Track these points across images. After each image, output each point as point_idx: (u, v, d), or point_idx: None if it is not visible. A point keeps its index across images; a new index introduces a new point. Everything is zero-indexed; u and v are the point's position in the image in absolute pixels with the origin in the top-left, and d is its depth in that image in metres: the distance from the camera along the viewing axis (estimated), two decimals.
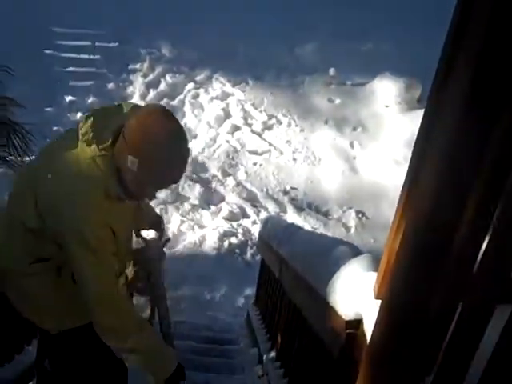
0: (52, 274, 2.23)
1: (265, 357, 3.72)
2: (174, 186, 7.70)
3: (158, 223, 2.85)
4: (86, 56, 11.45)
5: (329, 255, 2.21)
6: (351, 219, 8.23)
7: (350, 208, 8.41)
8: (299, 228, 4.00)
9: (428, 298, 1.25)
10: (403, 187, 1.38)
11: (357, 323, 1.63)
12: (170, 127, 1.99)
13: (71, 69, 10.95)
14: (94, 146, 2.01)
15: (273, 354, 3.62)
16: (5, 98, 4.97)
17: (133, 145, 1.94)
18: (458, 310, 1.29)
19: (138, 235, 2.76)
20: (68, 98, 10.24)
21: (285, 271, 3.26)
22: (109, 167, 2.04)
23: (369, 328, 1.48)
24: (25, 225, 2.13)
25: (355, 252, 2.06)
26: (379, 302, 1.42)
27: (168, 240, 2.98)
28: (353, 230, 8.04)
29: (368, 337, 1.49)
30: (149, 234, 2.82)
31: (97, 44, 11.72)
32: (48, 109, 9.71)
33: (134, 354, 2.26)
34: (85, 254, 2.06)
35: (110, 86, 10.80)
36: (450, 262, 1.22)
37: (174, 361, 2.39)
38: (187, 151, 2.10)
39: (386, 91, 10.42)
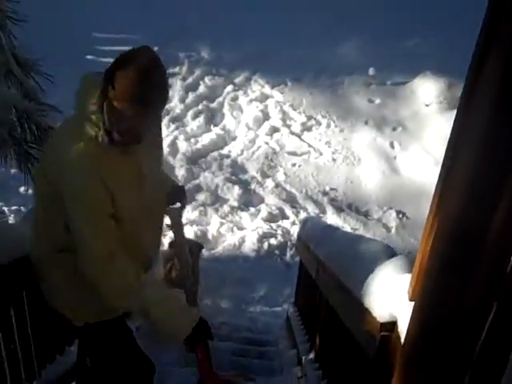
0: (72, 267, 2.26)
1: (304, 358, 3.70)
2: (212, 188, 7.63)
3: (180, 194, 2.87)
4: None
5: (364, 256, 2.20)
6: (392, 219, 8.15)
7: (391, 208, 8.34)
8: (336, 229, 3.99)
9: (461, 298, 1.23)
10: (436, 188, 1.36)
11: (391, 325, 1.62)
12: (147, 57, 2.03)
13: None
14: (88, 104, 2.10)
15: (312, 355, 3.60)
16: (45, 105, 5.06)
17: (109, 76, 2.01)
18: (493, 309, 1.27)
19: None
20: None
21: (322, 272, 3.25)
22: (101, 117, 2.08)
23: (403, 330, 1.47)
24: (45, 209, 2.26)
25: (390, 253, 2.05)
26: (413, 303, 1.41)
27: (184, 207, 2.97)
28: (393, 231, 7.96)
29: (402, 339, 1.48)
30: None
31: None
32: None
33: (147, 314, 2.26)
34: (80, 211, 2.13)
35: None
36: (483, 262, 1.20)
37: (194, 318, 2.37)
38: (163, 85, 2.11)
39: (426, 90, 10.30)
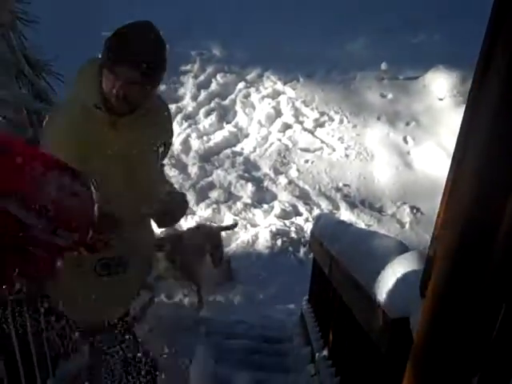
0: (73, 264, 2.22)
1: (317, 355, 3.70)
2: (225, 185, 7.64)
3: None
4: None
5: (376, 252, 2.18)
6: (406, 215, 8.10)
7: (405, 204, 8.29)
8: (349, 225, 3.97)
9: (471, 297, 1.21)
10: (446, 184, 1.35)
11: (403, 322, 1.60)
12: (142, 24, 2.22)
13: None
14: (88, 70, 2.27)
15: (325, 352, 3.59)
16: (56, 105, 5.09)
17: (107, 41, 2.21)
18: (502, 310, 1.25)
19: None
20: None
21: (335, 268, 3.24)
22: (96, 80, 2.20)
23: (415, 327, 1.46)
24: None
25: (402, 249, 2.03)
26: (424, 300, 1.39)
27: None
28: (407, 226, 7.91)
29: (414, 336, 1.46)
30: None
31: None
32: None
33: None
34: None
35: (162, 88, 10.93)
36: (493, 262, 1.18)
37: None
38: (160, 48, 2.29)
39: (439, 84, 10.23)
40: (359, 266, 2.33)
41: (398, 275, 1.78)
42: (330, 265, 3.44)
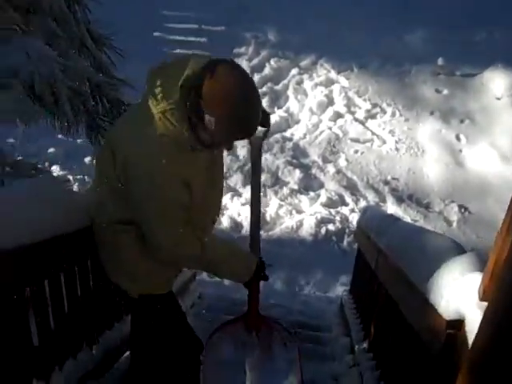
0: (134, 238, 2.35)
1: (357, 347, 3.69)
2: (273, 170, 7.72)
3: (266, 118, 2.77)
4: (192, 38, 11.70)
5: (431, 251, 2.16)
6: (453, 213, 7.99)
7: (453, 202, 8.18)
8: (397, 219, 3.91)
9: None
10: None
11: (459, 324, 1.59)
12: (244, 86, 2.02)
13: (178, 51, 11.18)
14: (163, 101, 2.06)
15: (365, 344, 3.58)
16: (116, 79, 5.15)
17: (209, 104, 1.98)
18: None
19: None
20: None
21: (382, 262, 3.22)
22: (180, 121, 2.07)
23: (471, 330, 1.44)
24: (109, 183, 2.30)
25: (459, 250, 2.00)
26: (484, 303, 1.38)
27: (267, 131, 2.92)
28: (455, 225, 7.81)
29: (470, 339, 1.45)
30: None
31: (203, 27, 11.94)
32: None
33: (211, 266, 2.50)
34: (152, 206, 2.19)
35: None
36: None
37: (253, 260, 2.64)
38: (260, 104, 2.12)
39: (497, 83, 10.02)
40: (411, 264, 2.31)
41: (455, 276, 1.76)
42: (377, 258, 3.42)
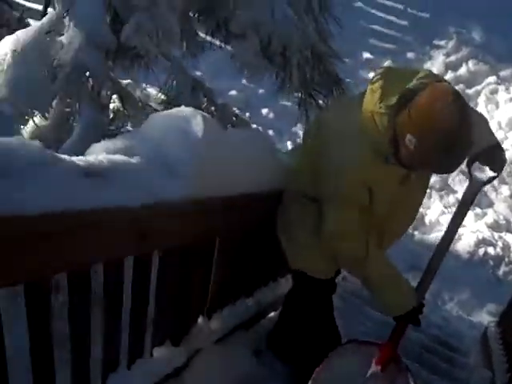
0: (313, 213, 2.46)
1: None
2: (445, 175, 7.32)
3: (499, 163, 2.60)
4: (393, 18, 11.34)
5: None
6: None
7: None
8: None
9: None
10: None
11: None
12: (458, 118, 1.93)
13: (376, 27, 10.95)
14: (378, 102, 2.08)
15: None
16: (332, 50, 4.92)
17: (415, 124, 1.95)
18: None
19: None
20: (365, 55, 10.31)
21: None
22: (385, 127, 2.07)
23: None
24: (310, 155, 2.46)
25: None
26: None
27: (493, 178, 2.70)
28: None
29: None
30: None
31: (409, 10, 11.50)
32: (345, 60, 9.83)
33: (368, 281, 2.50)
34: (334, 199, 2.32)
35: (410, 55, 10.64)
36: None
37: (411, 300, 2.51)
38: (469, 146, 2.04)
39: None
40: None
41: None
42: None
